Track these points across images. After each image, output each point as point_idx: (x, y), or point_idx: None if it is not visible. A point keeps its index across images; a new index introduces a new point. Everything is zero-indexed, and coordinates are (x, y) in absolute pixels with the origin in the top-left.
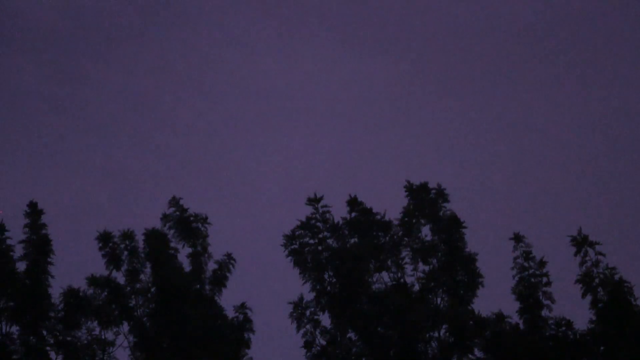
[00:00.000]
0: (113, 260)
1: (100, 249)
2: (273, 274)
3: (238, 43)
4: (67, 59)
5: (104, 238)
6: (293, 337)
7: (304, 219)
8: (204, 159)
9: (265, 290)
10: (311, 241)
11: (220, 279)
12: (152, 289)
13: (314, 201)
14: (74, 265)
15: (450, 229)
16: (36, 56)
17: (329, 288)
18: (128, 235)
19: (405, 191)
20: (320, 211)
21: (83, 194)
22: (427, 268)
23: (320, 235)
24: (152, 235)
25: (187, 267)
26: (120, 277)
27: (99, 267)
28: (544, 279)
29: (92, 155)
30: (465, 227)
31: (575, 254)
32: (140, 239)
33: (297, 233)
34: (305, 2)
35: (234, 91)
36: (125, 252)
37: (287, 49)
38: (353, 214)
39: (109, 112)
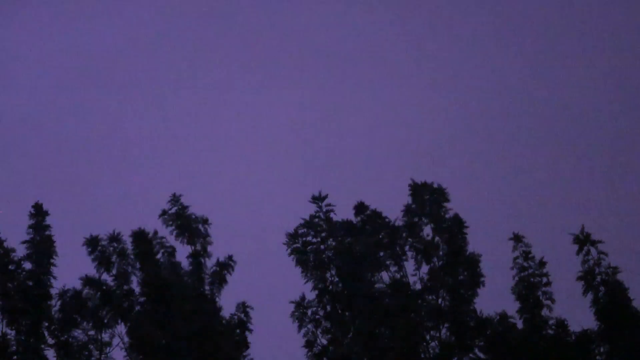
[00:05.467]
0: (103, 263)
1: (90, 253)
2: (273, 273)
3: (235, 42)
4: None
5: (92, 242)
6: (294, 337)
7: (307, 217)
8: (203, 160)
9: (266, 289)
10: (314, 240)
11: (220, 280)
12: (143, 289)
13: (318, 199)
14: (67, 267)
15: (453, 229)
16: None
17: (331, 287)
18: (115, 238)
19: (410, 190)
20: (324, 210)
21: (75, 196)
22: (428, 267)
23: (323, 234)
24: (139, 236)
25: (186, 267)
26: (111, 280)
27: (93, 269)
28: (544, 279)
29: (84, 157)
30: (467, 227)
31: (578, 253)
32: (128, 240)
33: (300, 232)
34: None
35: (233, 89)
36: (114, 255)
37: (290, 49)
38: (359, 218)
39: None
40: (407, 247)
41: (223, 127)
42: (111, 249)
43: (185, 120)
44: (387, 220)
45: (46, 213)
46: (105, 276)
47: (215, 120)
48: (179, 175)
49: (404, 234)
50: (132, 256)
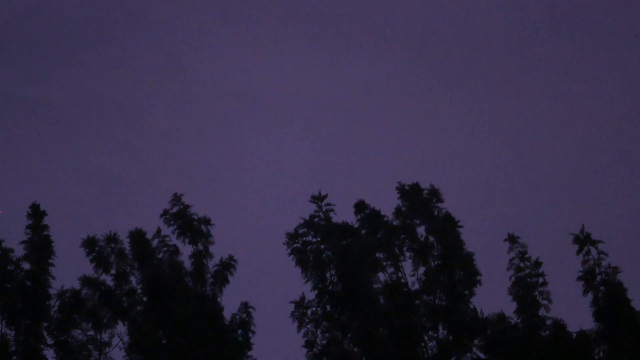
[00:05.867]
0: (101, 264)
1: (87, 254)
2: (272, 273)
3: (237, 45)
4: (42, 61)
5: (89, 243)
6: (294, 337)
7: (307, 217)
8: (201, 161)
9: (266, 289)
10: (314, 239)
11: (222, 280)
12: (143, 289)
13: (318, 199)
14: (68, 266)
15: (446, 228)
16: (7, 58)
17: (330, 287)
18: (113, 238)
19: (398, 192)
20: (324, 209)
21: (76, 198)
22: (425, 268)
23: (323, 234)
24: (137, 235)
25: (188, 266)
26: (110, 280)
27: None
28: (540, 279)
29: (84, 159)
30: (460, 227)
31: (578, 253)
32: (126, 240)
33: (300, 231)
34: (300, 4)
35: (230, 93)
36: (112, 256)
37: (285, 51)
38: (359, 216)
39: (100, 115)
40: (404, 248)
41: (224, 127)
42: (109, 249)
43: (187, 121)
44: (385, 219)
45: (44, 213)
46: (103, 276)
47: (217, 120)
48: (180, 175)
49: (402, 236)
50: (130, 256)
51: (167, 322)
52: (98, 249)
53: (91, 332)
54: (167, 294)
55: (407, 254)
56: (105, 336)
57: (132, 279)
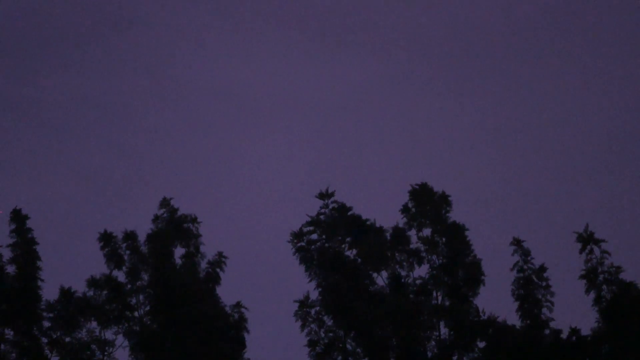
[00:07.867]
0: (114, 259)
1: (102, 248)
2: (276, 272)
3: (235, 45)
4: (34, 62)
5: (106, 238)
6: (297, 336)
7: (313, 214)
8: (201, 161)
9: (269, 288)
10: (319, 237)
11: (213, 278)
12: (153, 289)
13: (325, 196)
14: (60, 267)
15: (453, 233)
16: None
17: (334, 286)
18: (130, 236)
19: (409, 196)
20: (330, 207)
21: (69, 199)
22: (427, 269)
23: (329, 233)
24: (155, 236)
25: (184, 269)
26: (121, 276)
27: (93, 268)
28: (544, 283)
29: (78, 159)
30: (467, 229)
31: (581, 251)
32: (142, 239)
33: (305, 230)
34: (297, 6)
35: (229, 92)
36: (128, 252)
37: (283, 50)
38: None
39: (93, 115)
40: (408, 248)
41: (223, 127)
42: (124, 245)
43: (185, 122)
44: (368, 222)
45: (26, 217)
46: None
47: (216, 120)
48: (180, 176)
49: (403, 236)
50: (146, 255)
51: (175, 322)
52: (113, 245)
53: (96, 333)
54: (179, 294)
55: (407, 256)
56: (110, 334)
57: (143, 276)
